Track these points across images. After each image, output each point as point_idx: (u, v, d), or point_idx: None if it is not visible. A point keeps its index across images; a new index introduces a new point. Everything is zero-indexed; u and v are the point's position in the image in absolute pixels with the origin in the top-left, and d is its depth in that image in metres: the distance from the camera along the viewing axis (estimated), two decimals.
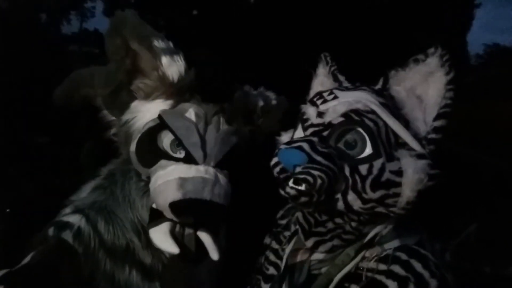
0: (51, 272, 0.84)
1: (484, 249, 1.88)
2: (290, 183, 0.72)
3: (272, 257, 1.00)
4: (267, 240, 1.06)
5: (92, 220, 0.93)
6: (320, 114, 0.81)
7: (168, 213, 0.86)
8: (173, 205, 0.84)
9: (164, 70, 0.92)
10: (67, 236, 0.89)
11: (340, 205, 0.76)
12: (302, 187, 0.71)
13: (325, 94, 0.83)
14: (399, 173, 0.75)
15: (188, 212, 0.86)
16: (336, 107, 0.79)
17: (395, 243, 0.79)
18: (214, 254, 0.91)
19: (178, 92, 0.95)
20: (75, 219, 0.92)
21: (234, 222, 1.04)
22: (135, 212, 0.96)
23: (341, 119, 0.78)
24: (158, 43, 0.91)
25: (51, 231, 0.90)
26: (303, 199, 0.73)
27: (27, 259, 0.86)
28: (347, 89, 0.85)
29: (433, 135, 0.80)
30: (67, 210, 0.97)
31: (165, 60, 0.92)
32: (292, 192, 0.72)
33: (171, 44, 0.94)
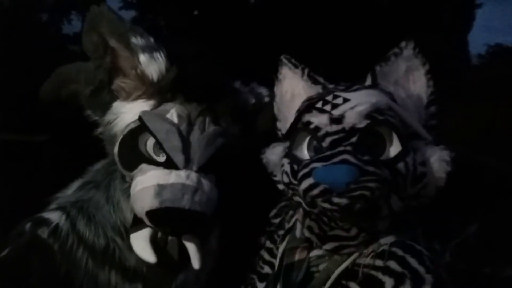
0: (21, 267, 0.84)
1: (484, 249, 1.87)
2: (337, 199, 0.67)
3: (266, 256, 0.99)
4: (261, 239, 1.05)
5: (73, 218, 0.91)
6: (335, 121, 0.75)
7: (146, 221, 0.84)
8: (150, 214, 0.81)
9: (142, 68, 0.89)
10: (43, 232, 0.88)
11: (385, 211, 0.74)
12: (358, 206, 0.67)
13: (328, 98, 0.79)
14: (424, 163, 0.75)
15: (165, 221, 0.83)
16: (356, 110, 0.75)
17: (390, 238, 0.79)
18: (195, 263, 0.88)
19: (159, 91, 0.90)
20: (55, 216, 0.91)
21: (228, 222, 1.03)
22: (118, 213, 0.93)
23: (367, 121, 0.74)
24: (137, 40, 0.87)
25: (27, 226, 0.89)
26: (358, 205, 0.67)
27: (2, 254, 0.86)
28: (347, 89, 0.82)
29: (433, 122, 0.81)
30: (51, 206, 0.96)
31: (143, 58, 0.88)
32: (344, 201, 0.66)
33: (151, 41, 0.90)
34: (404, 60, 0.83)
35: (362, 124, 0.74)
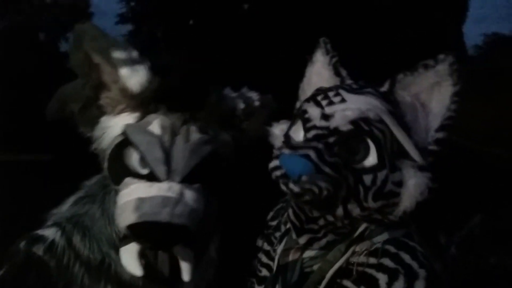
0: (18, 285, 0.84)
1: (489, 240, 1.86)
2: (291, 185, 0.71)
3: (264, 259, 0.99)
4: (258, 242, 1.05)
5: (68, 233, 0.91)
6: (325, 117, 0.77)
7: (129, 235, 0.83)
8: (130, 228, 0.80)
9: (123, 82, 0.88)
10: (38, 249, 0.87)
11: (339, 211, 0.76)
12: (307, 197, 0.71)
13: (330, 94, 0.80)
14: (400, 183, 0.74)
15: (144, 235, 0.81)
16: (345, 113, 0.75)
17: (384, 236, 0.79)
18: (186, 276, 0.86)
19: (142, 103, 0.90)
20: (51, 233, 0.91)
21: (226, 229, 1.03)
22: (113, 226, 0.92)
23: (350, 127, 0.74)
24: (118, 54, 0.87)
25: (22, 244, 0.89)
26: (306, 197, 0.71)
27: None
28: (353, 90, 0.81)
29: (434, 147, 0.79)
30: (48, 223, 0.96)
31: (124, 71, 0.88)
32: (296, 189, 0.70)
33: (135, 53, 0.90)
34: (434, 74, 0.78)
35: (345, 128, 0.75)
